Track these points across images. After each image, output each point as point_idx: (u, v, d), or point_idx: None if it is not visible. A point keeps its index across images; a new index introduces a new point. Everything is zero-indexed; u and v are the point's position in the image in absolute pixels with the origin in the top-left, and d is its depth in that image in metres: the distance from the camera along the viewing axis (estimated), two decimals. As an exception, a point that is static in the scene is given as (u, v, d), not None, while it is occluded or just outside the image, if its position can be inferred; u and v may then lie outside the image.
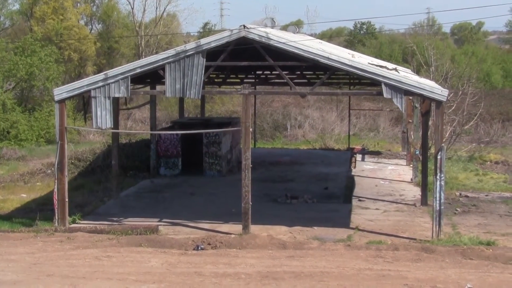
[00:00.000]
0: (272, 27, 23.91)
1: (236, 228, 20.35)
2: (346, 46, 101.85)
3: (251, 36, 20.05)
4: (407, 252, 16.72)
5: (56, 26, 49.65)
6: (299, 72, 29.32)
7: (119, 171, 25.97)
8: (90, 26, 57.80)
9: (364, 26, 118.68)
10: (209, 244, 18.26)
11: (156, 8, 61.74)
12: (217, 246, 18.07)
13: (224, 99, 50.01)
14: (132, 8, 60.43)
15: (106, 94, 20.49)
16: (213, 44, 20.23)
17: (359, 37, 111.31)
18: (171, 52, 20.56)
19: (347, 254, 17.07)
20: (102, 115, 20.53)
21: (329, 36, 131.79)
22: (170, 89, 20.46)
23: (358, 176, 30.08)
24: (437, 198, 19.45)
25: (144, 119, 47.64)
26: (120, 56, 57.11)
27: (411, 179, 28.84)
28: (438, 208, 19.37)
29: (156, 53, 60.55)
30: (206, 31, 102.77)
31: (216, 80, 31.25)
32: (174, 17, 69.35)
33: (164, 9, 62.03)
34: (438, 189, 19.45)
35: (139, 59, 57.42)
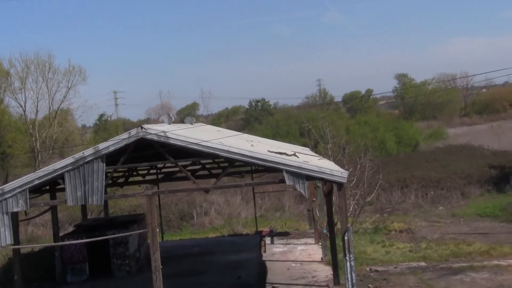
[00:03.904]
0: (169, 123, 24.04)
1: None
2: (243, 126, 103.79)
3: (149, 136, 20.06)
4: None
5: None
6: (200, 165, 29.40)
7: (22, 284, 24.78)
8: (-19, 133, 56.23)
9: (259, 104, 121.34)
10: None
11: (49, 108, 60.95)
12: None
13: (127, 194, 49.24)
14: (24, 111, 59.49)
15: (4, 209, 19.84)
16: (111, 148, 20.07)
17: (255, 114, 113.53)
18: (69, 160, 20.21)
19: None
20: (1, 231, 19.79)
21: (226, 115, 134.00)
22: (71, 198, 20.03)
23: (269, 260, 29.99)
24: (349, 279, 19.70)
25: (45, 222, 46.04)
26: (15, 161, 55.62)
27: (321, 258, 29.03)
28: (351, 289, 19.57)
29: (53, 153, 59.70)
30: (102, 122, 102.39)
31: (118, 181, 30.90)
32: (68, 113, 68.59)
33: (58, 107, 61.30)
34: (349, 270, 19.71)
35: (36, 161, 56.44)
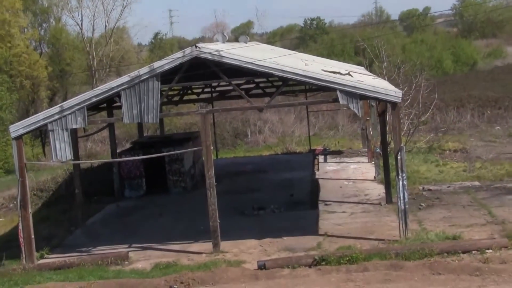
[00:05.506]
0: (223, 42, 24.04)
1: (206, 246, 20.47)
2: (298, 44, 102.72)
3: (203, 55, 20.10)
4: (376, 272, 16.72)
5: (5, 54, 48.82)
6: (254, 84, 29.43)
7: (83, 198, 25.77)
8: (40, 50, 57.16)
9: (314, 23, 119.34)
10: (182, 283, 17.45)
11: (106, 26, 61.50)
12: (190, 284, 17.43)
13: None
14: (81, 29, 60.23)
15: (63, 126, 20.33)
16: (166, 67, 20.21)
17: (310, 33, 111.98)
18: (125, 78, 20.49)
19: (318, 280, 16.83)
20: (61, 147, 20.36)
21: (280, 34, 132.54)
22: (127, 116, 20.40)
23: (322, 178, 30.31)
24: (401, 198, 19.76)
25: (103, 138, 47.18)
26: (73, 79, 56.67)
27: (374, 177, 29.15)
28: (402, 207, 19.69)
29: (110, 71, 60.56)
30: (157, 41, 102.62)
31: (173, 99, 31.26)
32: (124, 31, 69.12)
33: (114, 26, 61.75)
34: (401, 189, 19.76)
35: (93, 79, 57.40)
